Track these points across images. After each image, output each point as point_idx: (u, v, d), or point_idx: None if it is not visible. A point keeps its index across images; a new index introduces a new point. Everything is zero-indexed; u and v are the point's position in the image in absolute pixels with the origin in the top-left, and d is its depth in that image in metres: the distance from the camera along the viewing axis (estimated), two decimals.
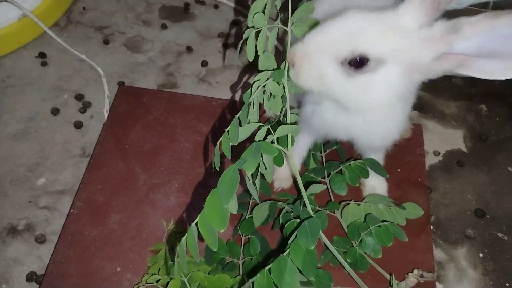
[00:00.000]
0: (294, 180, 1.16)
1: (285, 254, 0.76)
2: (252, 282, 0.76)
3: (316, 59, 0.76)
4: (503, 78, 0.68)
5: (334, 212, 1.08)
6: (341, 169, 1.10)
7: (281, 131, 0.80)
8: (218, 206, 0.69)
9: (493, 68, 0.69)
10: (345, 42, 0.74)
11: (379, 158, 1.12)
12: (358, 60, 0.74)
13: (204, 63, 1.46)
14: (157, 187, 1.16)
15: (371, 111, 0.84)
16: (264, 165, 0.81)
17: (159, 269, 0.99)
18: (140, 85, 1.40)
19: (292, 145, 0.95)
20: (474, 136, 1.33)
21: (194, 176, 1.17)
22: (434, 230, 1.15)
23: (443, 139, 1.32)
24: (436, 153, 1.29)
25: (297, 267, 0.75)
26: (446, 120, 1.37)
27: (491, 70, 0.69)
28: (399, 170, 1.21)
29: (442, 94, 1.43)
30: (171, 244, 1.04)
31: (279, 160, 0.99)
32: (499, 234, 1.15)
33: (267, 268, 0.76)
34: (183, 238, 0.73)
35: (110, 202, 1.13)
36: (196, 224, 0.71)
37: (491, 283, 1.07)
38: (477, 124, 1.36)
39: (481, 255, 1.12)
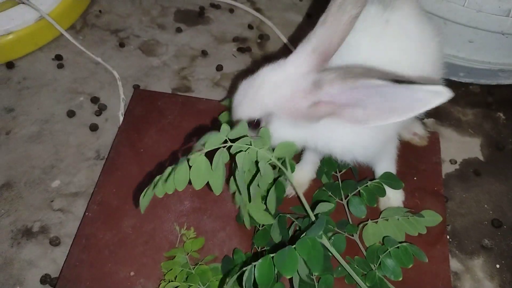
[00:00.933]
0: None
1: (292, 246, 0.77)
2: (254, 266, 0.76)
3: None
4: (367, 125, 0.75)
5: (353, 236, 1.06)
6: (358, 190, 1.09)
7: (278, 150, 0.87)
8: None
9: (359, 116, 0.75)
10: (245, 110, 0.87)
11: (390, 167, 1.10)
12: (255, 122, 0.86)
13: (219, 67, 1.46)
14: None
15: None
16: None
17: (176, 276, 0.98)
18: (154, 88, 1.40)
19: (292, 171, 0.97)
20: (491, 145, 1.32)
21: None
22: (450, 240, 1.14)
23: (459, 147, 1.31)
24: (452, 162, 1.28)
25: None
26: (462, 128, 1.35)
27: (358, 118, 0.75)
28: (415, 178, 1.19)
29: (458, 101, 1.41)
30: (187, 250, 1.03)
31: (280, 191, 1.00)
32: None
33: (271, 255, 0.76)
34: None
35: (124, 205, 1.13)
36: None
37: None
38: (494, 132, 1.34)
39: (498, 266, 1.10)
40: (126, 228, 1.09)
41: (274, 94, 0.82)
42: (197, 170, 0.79)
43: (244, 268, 0.78)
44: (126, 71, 1.45)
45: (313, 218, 0.89)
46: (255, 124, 0.86)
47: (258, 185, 0.93)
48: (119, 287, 1.01)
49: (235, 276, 0.83)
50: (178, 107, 1.32)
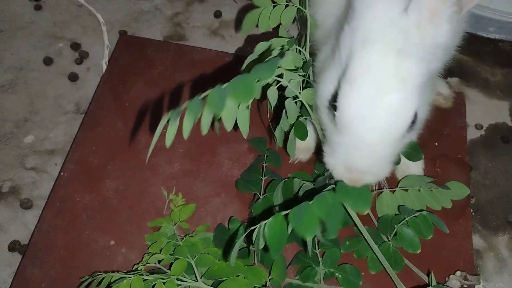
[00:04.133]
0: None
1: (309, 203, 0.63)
2: (265, 224, 0.63)
3: None
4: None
5: None
6: None
7: None
8: None
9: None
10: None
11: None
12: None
13: (218, 14, 1.30)
14: (159, 151, 1.01)
15: None
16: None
17: (161, 249, 0.85)
18: (143, 35, 1.25)
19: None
20: None
21: (201, 141, 1.03)
22: (473, 214, 1.01)
23: (486, 111, 1.17)
24: (478, 127, 1.14)
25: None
26: (490, 90, 1.21)
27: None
28: (436, 144, 1.06)
29: (487, 59, 1.26)
30: (174, 220, 0.90)
31: (302, 133, 0.85)
32: None
33: (283, 213, 0.63)
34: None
35: (106, 166, 0.99)
36: None
37: None
38: None
39: None
40: (107, 191, 0.96)
41: None
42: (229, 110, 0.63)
43: (253, 227, 0.65)
44: (113, 15, 1.29)
45: None
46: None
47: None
48: (97, 257, 0.89)
49: (243, 237, 0.70)
50: (170, 56, 1.16)
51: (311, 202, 0.62)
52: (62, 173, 0.98)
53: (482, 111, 1.16)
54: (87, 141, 1.02)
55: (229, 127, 0.62)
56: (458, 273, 0.88)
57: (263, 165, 0.96)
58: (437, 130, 1.06)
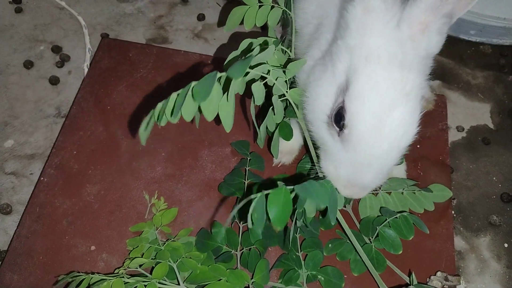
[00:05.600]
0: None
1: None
2: (266, 195, 0.60)
3: None
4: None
5: (345, 207, 0.93)
6: None
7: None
8: None
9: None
10: None
11: None
12: None
13: (201, 17, 1.29)
14: (141, 155, 1.01)
15: None
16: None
17: (143, 253, 0.84)
18: (126, 38, 1.24)
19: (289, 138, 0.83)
20: (503, 111, 1.19)
21: (183, 144, 1.02)
22: (455, 215, 1.02)
23: (467, 113, 1.18)
24: (459, 129, 1.15)
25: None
26: (471, 92, 1.21)
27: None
28: (418, 146, 1.06)
29: (468, 62, 1.27)
30: (156, 224, 0.90)
31: (287, 133, 0.85)
32: None
33: (285, 187, 0.61)
34: None
35: (87, 170, 0.98)
36: None
37: None
38: (506, 97, 1.22)
39: (506, 245, 1.00)
40: (88, 196, 0.95)
41: None
42: (209, 98, 0.62)
43: (251, 197, 0.61)
44: (95, 18, 1.27)
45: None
46: None
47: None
48: (78, 263, 0.88)
49: (238, 207, 0.64)
50: (153, 59, 1.15)
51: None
52: (42, 178, 0.96)
53: (464, 114, 1.17)
54: (67, 145, 1.00)
55: (210, 117, 0.61)
56: (439, 273, 0.88)
57: (246, 169, 0.95)
58: (418, 132, 1.06)
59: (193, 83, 0.61)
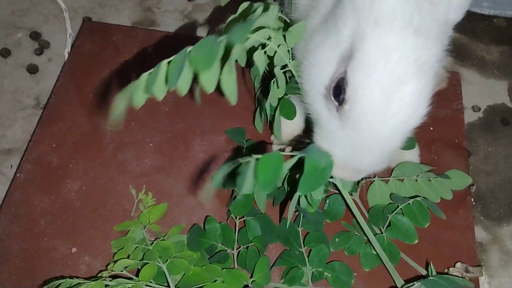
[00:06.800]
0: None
1: None
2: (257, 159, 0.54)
3: None
4: None
5: (352, 195, 0.84)
6: None
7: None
8: None
9: None
10: None
11: None
12: None
13: None
14: (127, 146, 0.92)
15: None
16: None
17: (129, 255, 0.76)
18: (110, 22, 1.15)
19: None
20: None
21: (173, 134, 0.94)
22: (474, 203, 0.93)
23: (483, 92, 1.09)
24: (475, 109, 1.06)
25: None
26: (487, 69, 1.13)
27: None
28: (431, 128, 0.97)
29: (482, 37, 1.18)
30: (144, 222, 0.81)
31: (289, 112, 0.76)
32: None
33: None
34: None
35: (67, 165, 0.89)
36: None
37: None
38: None
39: None
40: (69, 193, 0.86)
41: None
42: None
43: (241, 160, 0.55)
44: (76, 1, 1.18)
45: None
46: None
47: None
48: (58, 267, 0.79)
49: (222, 171, 0.59)
50: (139, 43, 1.06)
51: None
52: (18, 174, 0.88)
53: (479, 92, 1.09)
54: (46, 138, 0.92)
55: (210, 87, 0.52)
56: (458, 264, 0.81)
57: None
58: (431, 113, 0.97)
59: (189, 48, 0.52)
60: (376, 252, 0.77)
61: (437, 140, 0.96)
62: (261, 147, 0.90)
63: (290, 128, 0.88)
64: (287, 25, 0.72)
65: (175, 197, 0.86)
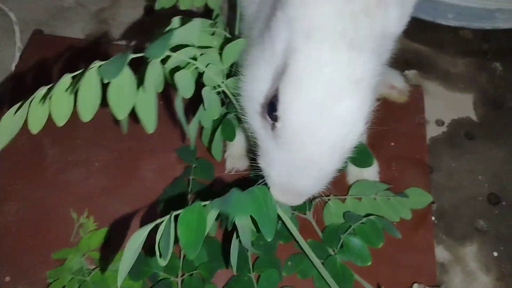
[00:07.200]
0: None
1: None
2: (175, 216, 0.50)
3: None
4: None
5: (305, 214, 0.80)
6: None
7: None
8: None
9: None
10: None
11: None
12: None
13: (148, 9, 1.16)
14: (71, 166, 0.88)
15: None
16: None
17: (64, 286, 0.71)
18: (63, 34, 1.10)
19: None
20: (487, 101, 1.09)
21: (121, 152, 0.89)
22: (436, 221, 0.90)
23: (448, 105, 1.07)
24: (439, 123, 1.03)
25: None
26: (452, 82, 1.11)
27: None
28: (392, 144, 0.95)
29: (447, 49, 1.16)
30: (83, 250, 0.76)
31: (229, 133, 0.72)
32: None
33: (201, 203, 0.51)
34: None
35: (6, 186, 0.85)
36: None
37: None
38: (490, 86, 1.11)
39: (495, 254, 0.89)
40: (6, 217, 0.82)
41: None
42: (119, 89, 0.50)
43: (159, 220, 0.51)
44: (28, 13, 1.14)
45: None
46: None
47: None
48: None
49: (144, 234, 0.52)
50: (91, 57, 1.01)
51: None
52: None
53: (443, 106, 1.06)
54: None
55: (120, 114, 0.48)
56: (415, 286, 0.78)
57: (189, 178, 0.82)
58: (392, 128, 0.95)
59: (98, 63, 0.48)
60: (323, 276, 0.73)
61: (398, 156, 0.93)
62: (209, 169, 0.85)
63: (238, 148, 0.84)
64: (229, 41, 0.68)
65: (119, 220, 0.82)
